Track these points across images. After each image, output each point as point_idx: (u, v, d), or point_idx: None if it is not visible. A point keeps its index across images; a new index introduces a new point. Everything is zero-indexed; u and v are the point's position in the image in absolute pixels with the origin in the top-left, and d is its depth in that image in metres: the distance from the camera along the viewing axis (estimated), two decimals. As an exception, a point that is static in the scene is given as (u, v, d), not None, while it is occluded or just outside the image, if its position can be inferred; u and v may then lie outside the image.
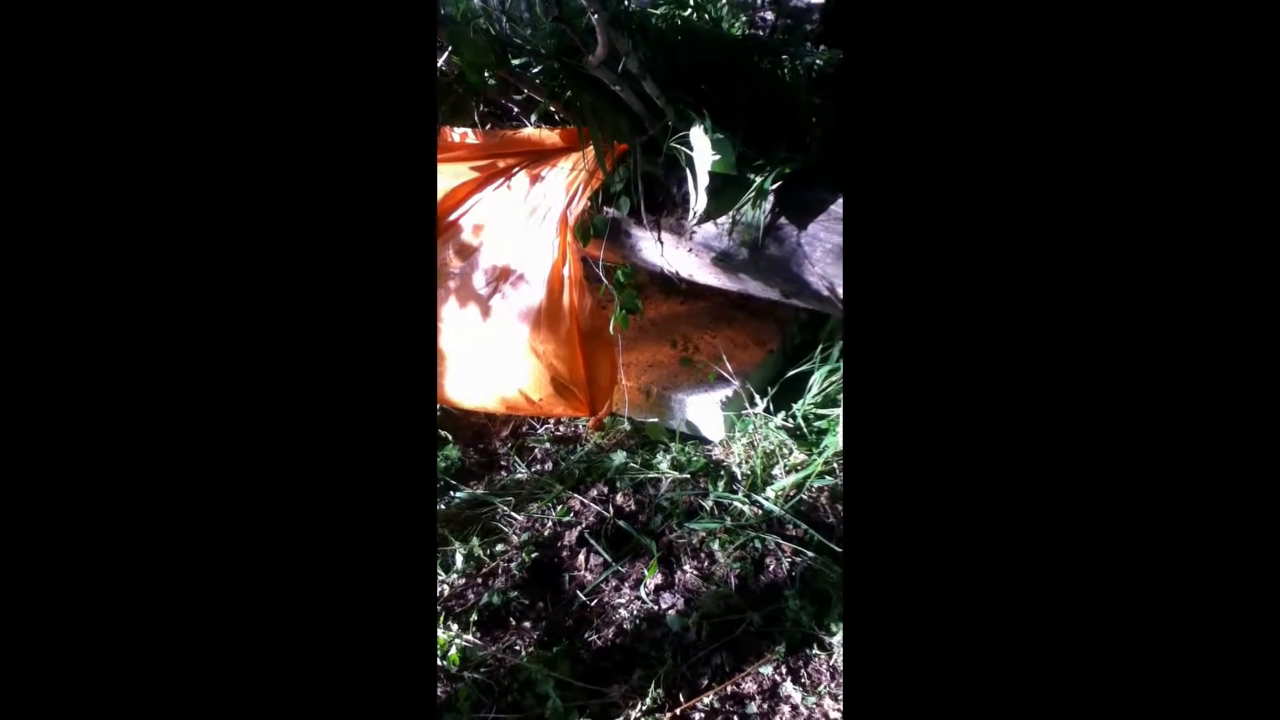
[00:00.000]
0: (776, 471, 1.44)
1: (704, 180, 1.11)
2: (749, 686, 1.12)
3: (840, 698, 1.08)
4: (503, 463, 1.65)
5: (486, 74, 1.10)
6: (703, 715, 1.09)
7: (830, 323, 1.53)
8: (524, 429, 1.74)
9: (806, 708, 1.08)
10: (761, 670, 1.13)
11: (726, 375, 1.49)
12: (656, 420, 1.61)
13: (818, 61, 1.20)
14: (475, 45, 0.99)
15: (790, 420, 1.49)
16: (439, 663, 1.18)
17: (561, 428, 1.73)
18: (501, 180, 1.42)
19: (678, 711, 1.08)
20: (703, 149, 1.08)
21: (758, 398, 1.50)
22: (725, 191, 1.18)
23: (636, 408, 1.63)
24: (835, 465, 1.42)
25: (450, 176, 1.43)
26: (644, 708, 1.09)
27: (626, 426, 1.64)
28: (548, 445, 1.68)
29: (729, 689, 1.12)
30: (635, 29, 1.05)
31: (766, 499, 1.39)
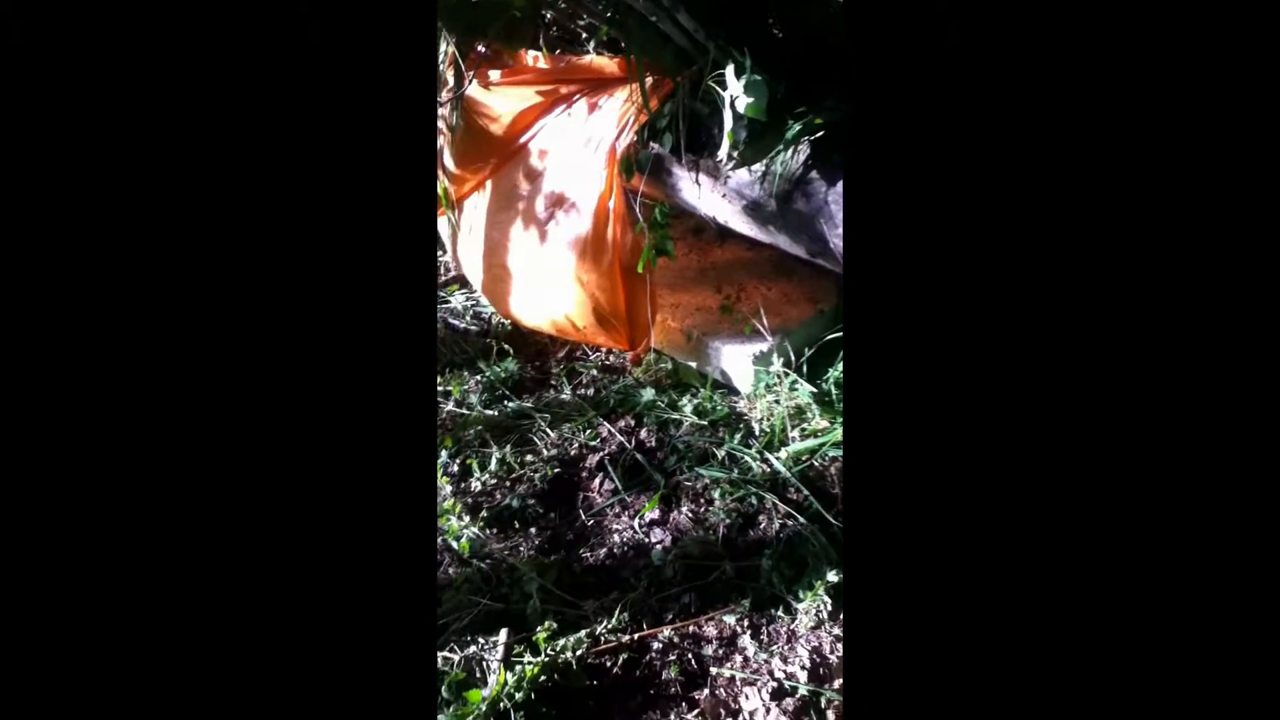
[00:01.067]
0: (795, 434, 1.41)
1: (729, 124, 1.06)
2: (709, 630, 1.17)
3: (789, 659, 1.10)
4: (553, 382, 1.76)
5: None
6: (660, 645, 1.15)
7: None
8: (578, 354, 1.83)
9: (757, 662, 1.11)
10: (724, 618, 1.17)
11: (761, 330, 1.46)
12: (693, 364, 1.62)
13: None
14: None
15: (820, 384, 1.44)
16: (452, 545, 1.33)
17: (611, 358, 1.79)
18: (563, 107, 1.44)
19: (636, 637, 1.15)
20: (736, 90, 1.03)
21: (792, 356, 1.46)
22: (765, 138, 1.12)
23: (677, 348, 1.64)
24: (860, 437, 1.37)
25: (518, 100, 1.47)
26: (609, 626, 1.17)
27: (668, 365, 1.67)
28: (595, 372, 1.75)
29: (690, 628, 1.17)
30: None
31: (778, 458, 1.38)
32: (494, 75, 1.48)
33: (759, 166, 1.17)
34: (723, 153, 1.12)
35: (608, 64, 1.33)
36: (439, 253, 2.13)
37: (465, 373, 1.77)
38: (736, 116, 1.05)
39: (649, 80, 1.25)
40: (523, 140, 1.55)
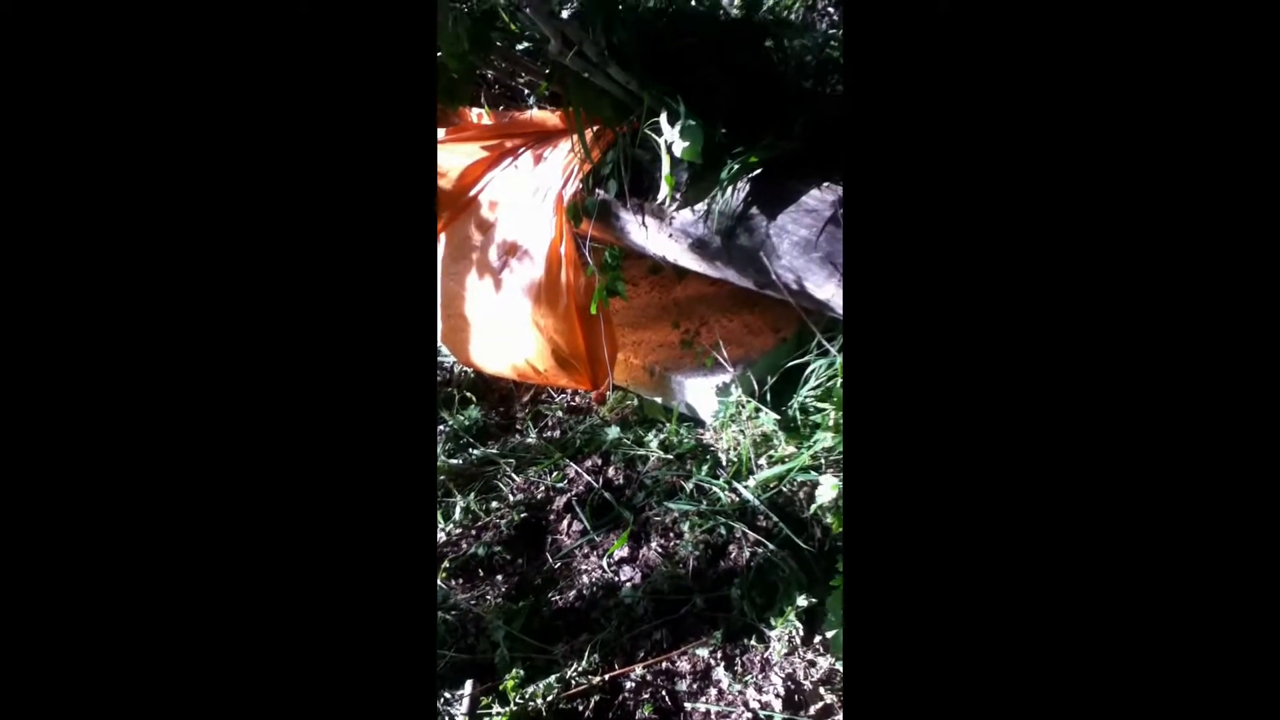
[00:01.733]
0: (762, 461, 1.43)
1: (666, 168, 1.11)
2: (682, 665, 1.15)
3: (764, 689, 1.09)
4: (518, 427, 1.76)
5: (477, 59, 1.15)
6: (633, 684, 1.13)
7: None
8: (543, 397, 1.83)
9: (732, 693, 1.10)
10: (697, 651, 1.16)
11: (722, 361, 1.49)
12: (659, 399, 1.64)
13: (813, 45, 1.14)
14: (450, 37, 1.05)
15: (785, 411, 1.47)
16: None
17: (576, 399, 1.80)
18: (510, 160, 1.48)
19: (608, 678, 1.13)
20: (671, 136, 1.08)
21: (755, 385, 1.49)
22: (705, 179, 1.17)
23: (641, 385, 1.66)
24: (823, 460, 1.39)
25: (465, 156, 1.52)
26: (580, 668, 1.15)
27: (634, 402, 1.69)
28: (560, 414, 1.76)
29: (663, 664, 1.15)
30: (608, 13, 1.05)
31: (746, 487, 1.39)
32: (440, 133, 1.52)
33: (701, 206, 1.22)
34: (662, 195, 1.16)
35: (550, 117, 1.39)
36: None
37: (430, 423, 1.76)
38: (675, 160, 1.10)
39: (592, 129, 1.30)
40: (472, 193, 1.59)
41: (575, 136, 1.26)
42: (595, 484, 1.50)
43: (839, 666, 1.10)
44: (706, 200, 1.19)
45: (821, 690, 1.08)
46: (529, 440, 1.69)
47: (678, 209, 1.24)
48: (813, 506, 1.26)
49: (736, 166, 1.09)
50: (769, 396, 1.52)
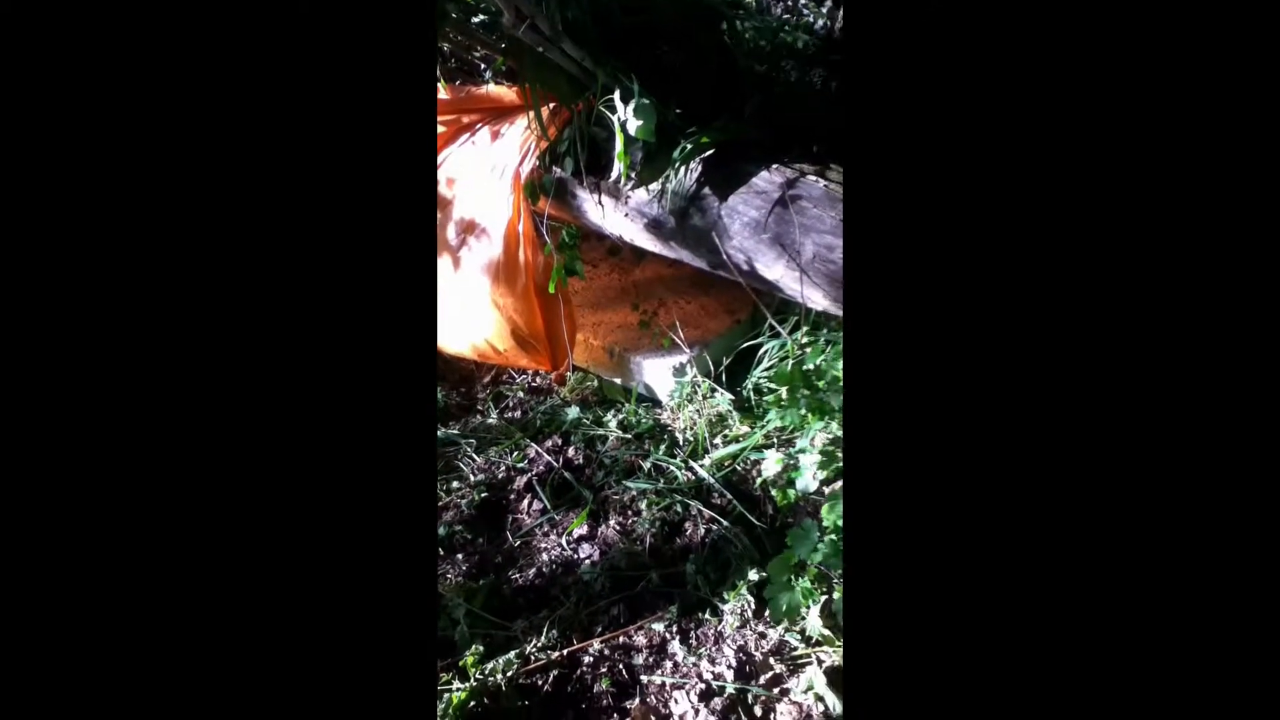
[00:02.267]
0: (718, 440, 1.45)
1: (620, 146, 1.11)
2: (639, 639, 1.18)
3: (717, 660, 1.12)
4: (479, 407, 1.75)
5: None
6: (591, 659, 1.16)
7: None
8: (504, 378, 1.83)
9: (686, 665, 1.13)
10: (653, 626, 1.19)
11: (679, 342, 1.50)
12: (618, 380, 1.65)
13: (767, 29, 1.14)
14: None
15: (739, 391, 1.49)
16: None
17: (537, 380, 1.80)
18: (467, 135, 1.46)
19: (566, 653, 1.15)
20: (625, 114, 1.08)
21: (710, 366, 1.51)
22: (658, 158, 1.17)
23: (601, 366, 1.67)
24: (775, 439, 1.42)
25: (421, 132, 1.49)
26: (539, 644, 1.17)
27: (594, 383, 1.69)
28: (521, 395, 1.76)
29: (620, 639, 1.18)
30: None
31: (702, 465, 1.41)
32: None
33: (655, 185, 1.22)
34: (615, 173, 1.16)
35: (507, 93, 1.37)
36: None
37: (389, 404, 1.75)
38: (629, 139, 1.10)
39: (549, 106, 1.29)
40: (432, 169, 1.57)
41: (531, 113, 1.24)
42: (555, 464, 1.51)
43: (788, 638, 1.13)
44: (660, 180, 1.19)
45: (771, 660, 1.11)
46: (490, 421, 1.69)
47: (632, 188, 1.24)
48: (759, 480, 1.29)
49: (689, 147, 1.10)
50: (724, 377, 1.54)
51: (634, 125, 1.08)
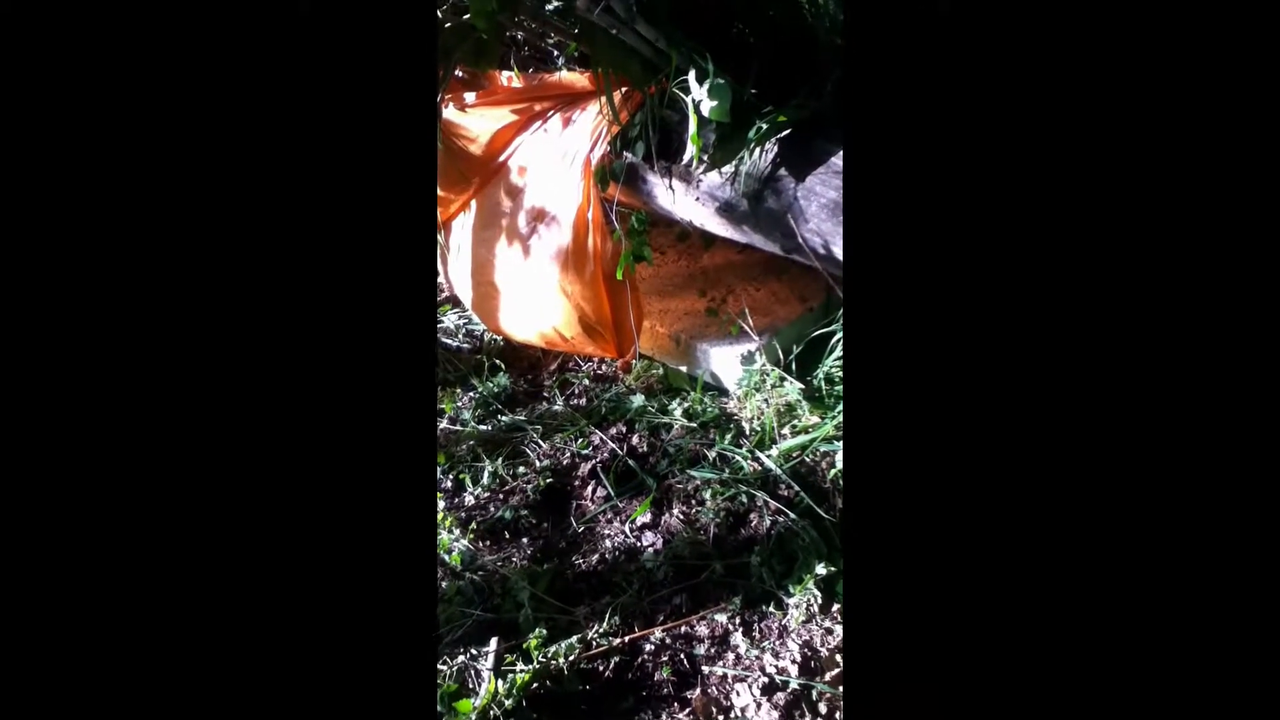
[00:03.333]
0: (785, 431, 1.41)
1: (693, 128, 1.08)
2: (701, 629, 1.16)
3: (780, 654, 1.09)
4: (545, 394, 1.77)
5: (505, 19, 1.14)
6: (652, 647, 1.15)
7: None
8: (570, 365, 1.84)
9: (748, 658, 1.10)
10: (716, 617, 1.17)
11: (747, 330, 1.47)
12: (683, 368, 1.63)
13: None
14: (478, -7, 1.04)
15: (810, 381, 1.44)
16: (444, 559, 1.34)
17: (603, 367, 1.81)
18: (539, 123, 1.47)
19: (627, 640, 1.15)
20: (699, 95, 1.06)
21: (780, 354, 1.47)
22: (733, 139, 1.14)
23: (667, 353, 1.66)
24: (848, 432, 1.37)
25: (494, 120, 1.51)
26: (600, 630, 1.17)
27: (659, 371, 1.68)
28: (587, 382, 1.77)
29: (682, 628, 1.16)
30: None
31: (769, 456, 1.38)
32: (469, 97, 1.52)
33: (729, 168, 1.19)
34: (688, 156, 1.14)
35: (579, 79, 1.37)
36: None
37: (458, 390, 1.79)
38: (703, 120, 1.08)
39: (620, 91, 1.28)
40: (502, 159, 1.59)
41: (603, 98, 1.24)
42: (619, 451, 1.51)
43: (858, 635, 1.09)
44: (734, 162, 1.16)
45: (838, 657, 1.07)
46: (556, 407, 1.70)
47: (704, 171, 1.21)
48: (831, 472, 1.25)
49: (765, 127, 1.07)
50: (794, 366, 1.50)
51: (708, 106, 1.06)
